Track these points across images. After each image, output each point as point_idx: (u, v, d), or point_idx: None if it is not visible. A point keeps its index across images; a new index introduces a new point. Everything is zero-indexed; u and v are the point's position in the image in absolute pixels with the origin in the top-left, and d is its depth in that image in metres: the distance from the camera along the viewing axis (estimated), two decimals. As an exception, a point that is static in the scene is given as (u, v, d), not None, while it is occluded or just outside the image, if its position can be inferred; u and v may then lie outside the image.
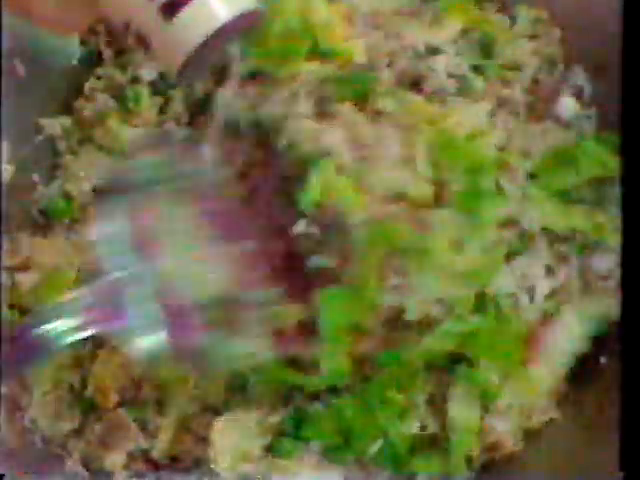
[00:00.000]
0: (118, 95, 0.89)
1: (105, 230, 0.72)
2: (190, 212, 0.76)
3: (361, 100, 0.81)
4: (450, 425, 0.78)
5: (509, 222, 0.80)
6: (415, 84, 0.84)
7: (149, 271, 0.72)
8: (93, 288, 0.70)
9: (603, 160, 0.81)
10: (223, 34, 0.66)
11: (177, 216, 0.76)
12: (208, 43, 0.66)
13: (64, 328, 0.67)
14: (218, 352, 0.74)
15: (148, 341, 0.70)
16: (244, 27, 0.67)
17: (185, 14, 0.64)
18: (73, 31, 0.80)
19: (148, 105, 0.88)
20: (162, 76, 0.88)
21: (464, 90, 0.84)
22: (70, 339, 0.67)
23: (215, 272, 0.75)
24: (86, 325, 0.68)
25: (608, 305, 0.80)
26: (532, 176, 0.81)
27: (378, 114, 0.81)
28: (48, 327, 0.67)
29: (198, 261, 0.75)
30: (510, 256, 0.80)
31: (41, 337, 0.66)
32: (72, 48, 0.85)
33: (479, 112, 0.82)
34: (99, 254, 0.71)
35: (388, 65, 0.83)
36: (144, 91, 0.89)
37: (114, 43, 0.88)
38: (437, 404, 0.79)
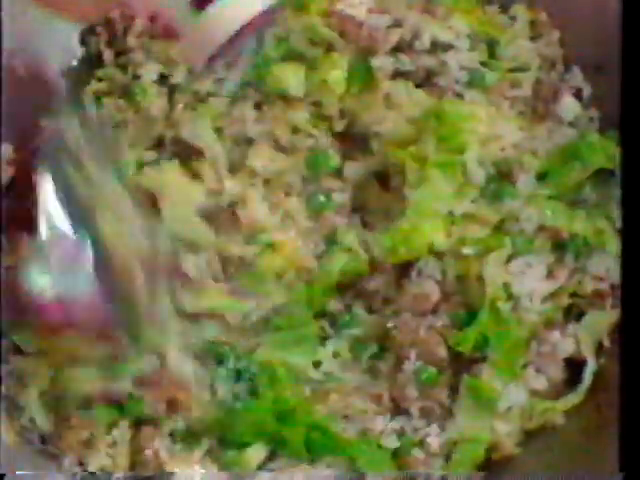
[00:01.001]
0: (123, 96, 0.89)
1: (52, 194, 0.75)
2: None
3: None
4: (460, 435, 0.79)
5: (511, 221, 0.80)
6: (426, 78, 0.86)
7: (91, 238, 0.75)
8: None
9: (607, 152, 0.82)
10: (251, 27, 0.66)
11: (105, 180, 0.78)
12: (236, 36, 0.66)
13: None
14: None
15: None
16: (270, 18, 0.67)
17: (216, 7, 0.64)
18: (92, 18, 0.80)
19: (156, 95, 0.87)
20: (162, 76, 0.88)
21: (476, 83, 0.85)
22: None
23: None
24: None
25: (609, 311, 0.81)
26: (539, 176, 0.82)
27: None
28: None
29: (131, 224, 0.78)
30: (511, 257, 0.80)
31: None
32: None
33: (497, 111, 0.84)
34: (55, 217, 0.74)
35: (395, 51, 0.85)
36: (149, 84, 0.88)
37: (114, 43, 0.88)
38: (443, 411, 0.80)
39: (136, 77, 0.87)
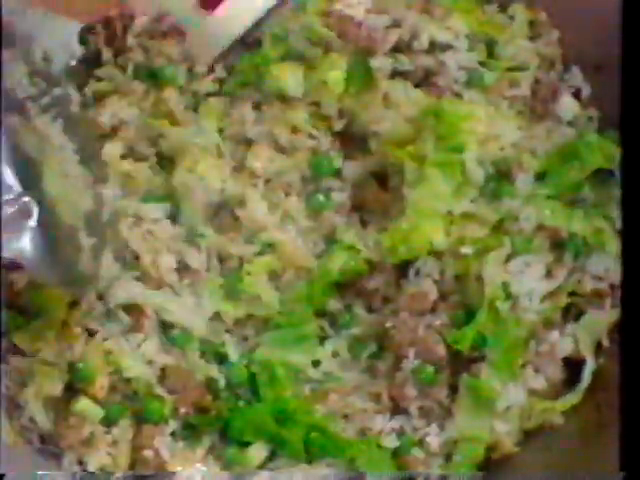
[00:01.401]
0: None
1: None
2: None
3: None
4: (459, 435, 0.79)
5: (510, 221, 0.81)
6: (425, 78, 0.86)
7: (35, 197, 0.75)
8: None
9: (605, 152, 0.82)
10: (258, 24, 0.66)
11: (53, 135, 0.78)
12: (244, 34, 0.66)
13: None
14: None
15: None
16: (276, 13, 0.67)
17: (224, 8, 0.64)
18: (93, 18, 0.80)
19: None
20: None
21: (475, 82, 0.85)
22: None
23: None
24: None
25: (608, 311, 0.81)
26: (538, 176, 0.82)
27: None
28: None
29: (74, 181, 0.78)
30: (510, 256, 0.80)
31: None
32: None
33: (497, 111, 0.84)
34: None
35: (394, 51, 0.85)
36: None
37: (114, 42, 0.88)
38: (442, 411, 0.81)
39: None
